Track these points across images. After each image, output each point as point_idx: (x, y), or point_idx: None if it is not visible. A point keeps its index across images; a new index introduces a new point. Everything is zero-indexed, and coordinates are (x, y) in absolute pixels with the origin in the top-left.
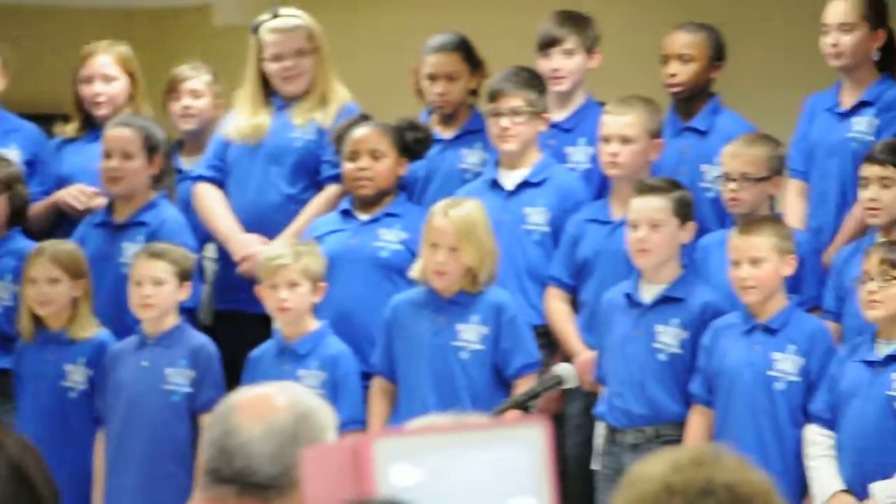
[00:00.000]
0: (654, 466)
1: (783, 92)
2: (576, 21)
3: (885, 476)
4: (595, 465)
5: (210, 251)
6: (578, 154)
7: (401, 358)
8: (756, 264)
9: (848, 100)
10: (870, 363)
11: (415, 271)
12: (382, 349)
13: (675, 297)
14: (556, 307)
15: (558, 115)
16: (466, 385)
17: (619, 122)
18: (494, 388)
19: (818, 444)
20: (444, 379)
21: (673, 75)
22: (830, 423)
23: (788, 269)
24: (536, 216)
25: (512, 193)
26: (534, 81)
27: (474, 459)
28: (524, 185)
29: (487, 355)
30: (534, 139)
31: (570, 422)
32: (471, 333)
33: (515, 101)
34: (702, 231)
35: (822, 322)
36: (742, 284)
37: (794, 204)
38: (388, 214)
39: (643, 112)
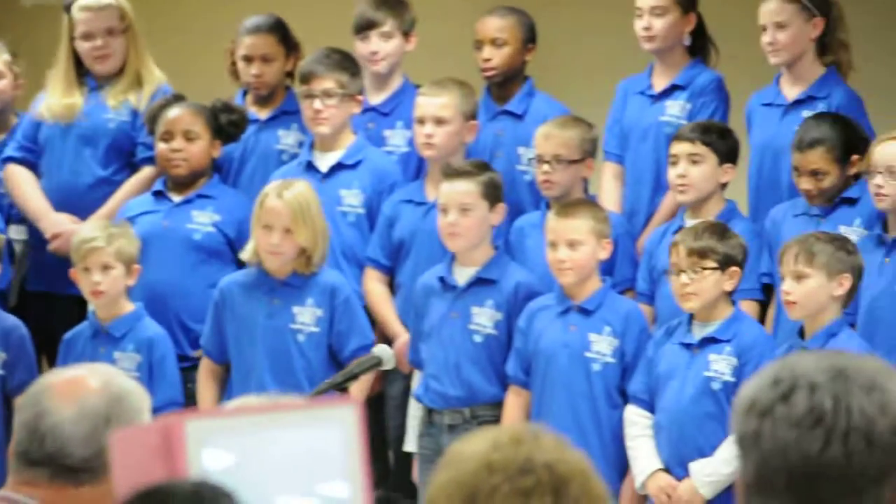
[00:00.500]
0: (473, 445)
1: (599, 76)
2: (392, 4)
3: (703, 455)
4: (409, 447)
5: (17, 232)
6: (396, 137)
7: (233, 340)
8: (573, 247)
9: (660, 83)
10: (686, 345)
11: (246, 253)
12: (210, 331)
13: (489, 279)
14: (374, 288)
15: (376, 99)
16: (303, 367)
17: (433, 103)
18: (331, 370)
19: (637, 424)
20: (280, 361)
21: (487, 60)
22: (649, 405)
23: (604, 252)
24: (351, 198)
25: (326, 175)
26: (346, 63)
27: (287, 441)
28: (338, 167)
29: (323, 337)
30: (347, 121)
31: (391, 403)
32: (306, 315)
33: (327, 83)
34: (520, 212)
35: (636, 304)
36: (559, 266)
37: (609, 187)
38: (201, 196)
39: (457, 94)
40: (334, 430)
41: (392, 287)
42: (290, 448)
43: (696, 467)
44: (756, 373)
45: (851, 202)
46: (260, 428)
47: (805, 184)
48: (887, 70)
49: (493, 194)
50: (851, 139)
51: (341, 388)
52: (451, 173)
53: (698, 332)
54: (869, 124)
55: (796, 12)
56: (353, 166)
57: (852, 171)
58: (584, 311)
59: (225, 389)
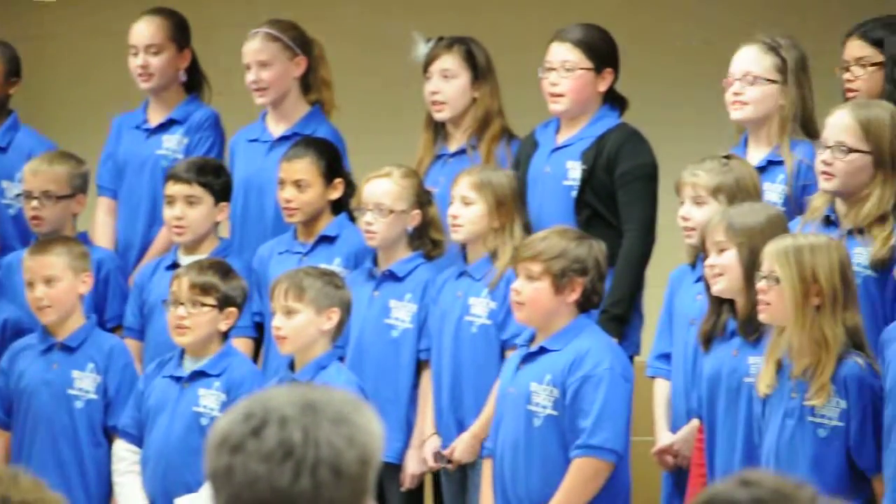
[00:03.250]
0: None
1: (92, 111)
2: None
3: (190, 490)
4: None
5: None
6: None
7: None
8: (50, 283)
9: (155, 118)
10: (177, 379)
11: None
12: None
13: None
14: None
15: None
16: None
17: None
18: None
19: (125, 459)
20: None
21: None
22: (138, 439)
23: (84, 287)
24: None
25: None
26: None
27: None
28: None
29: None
30: None
31: None
32: None
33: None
34: (6, 248)
35: (120, 340)
36: (38, 304)
37: (102, 221)
38: None
39: None
40: None
41: None
42: None
43: (182, 502)
44: (229, 408)
45: (331, 240)
46: None
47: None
48: None
49: None
50: (333, 164)
51: None
52: None
53: (189, 366)
54: (348, 163)
55: (279, 51)
56: None
57: (334, 195)
58: (67, 349)
59: None
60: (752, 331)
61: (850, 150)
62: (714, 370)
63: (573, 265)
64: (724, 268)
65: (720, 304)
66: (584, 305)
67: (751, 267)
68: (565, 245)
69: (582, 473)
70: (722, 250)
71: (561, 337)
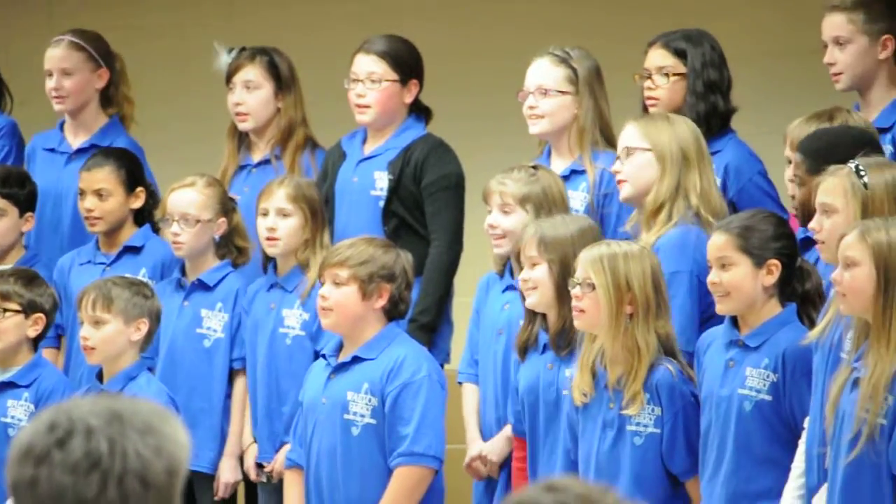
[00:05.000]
0: None
1: None
2: None
3: None
4: None
5: None
6: None
7: None
8: None
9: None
10: None
11: None
12: None
13: None
14: None
15: None
16: None
17: None
18: None
19: None
20: None
21: None
22: None
23: None
24: None
25: None
26: None
27: None
28: None
29: None
30: None
31: None
32: None
33: None
34: None
35: None
36: None
37: None
38: None
39: None
40: None
41: None
42: None
43: None
44: (35, 417)
45: (136, 250)
46: None
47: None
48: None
49: None
50: (134, 173)
51: None
52: None
53: None
54: (150, 172)
55: (83, 61)
56: None
57: (136, 204)
58: None
59: None
60: (564, 345)
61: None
62: (530, 383)
63: (380, 271)
64: (537, 282)
65: (534, 315)
66: (391, 313)
67: (563, 281)
68: (373, 251)
69: (406, 481)
70: (534, 264)
71: (374, 345)
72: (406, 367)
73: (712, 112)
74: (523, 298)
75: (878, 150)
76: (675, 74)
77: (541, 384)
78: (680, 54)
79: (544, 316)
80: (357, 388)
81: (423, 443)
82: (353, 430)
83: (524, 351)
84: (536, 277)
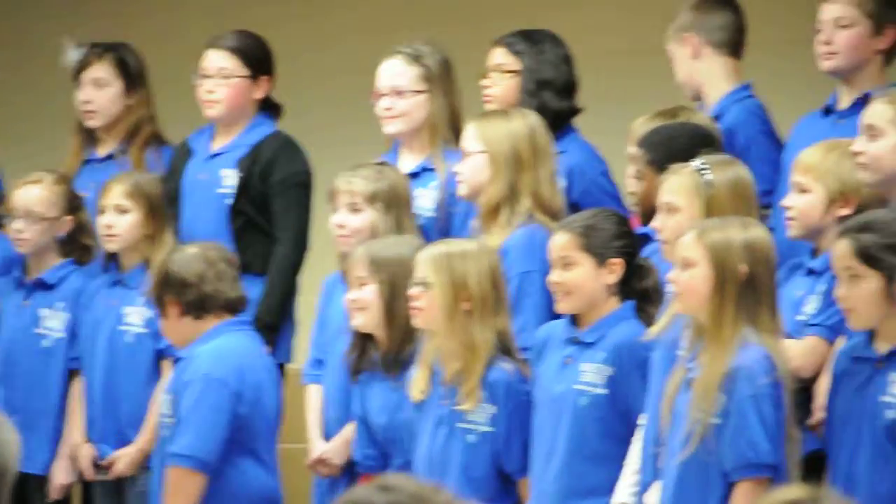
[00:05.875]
0: None
1: None
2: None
3: None
4: None
5: None
6: None
7: None
8: None
9: None
10: None
11: None
12: None
13: None
14: None
15: None
16: None
17: None
18: None
19: None
20: None
21: None
22: None
23: None
24: None
25: None
26: None
27: None
28: None
29: None
30: None
31: None
32: None
33: None
34: None
35: None
36: None
37: None
38: None
39: None
40: None
41: None
42: None
43: None
44: None
45: None
46: None
47: None
48: None
49: None
50: None
51: None
52: None
53: None
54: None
55: None
56: None
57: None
58: None
59: None
60: (394, 366)
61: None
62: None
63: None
64: (365, 303)
65: (364, 337)
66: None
67: (392, 302)
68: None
69: (170, 483)
70: (363, 284)
71: (195, 344)
72: (191, 365)
73: (542, 110)
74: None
75: (718, 147)
76: (508, 72)
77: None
78: (517, 53)
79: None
80: (168, 388)
81: (181, 443)
82: (164, 431)
83: (356, 372)
84: (365, 298)
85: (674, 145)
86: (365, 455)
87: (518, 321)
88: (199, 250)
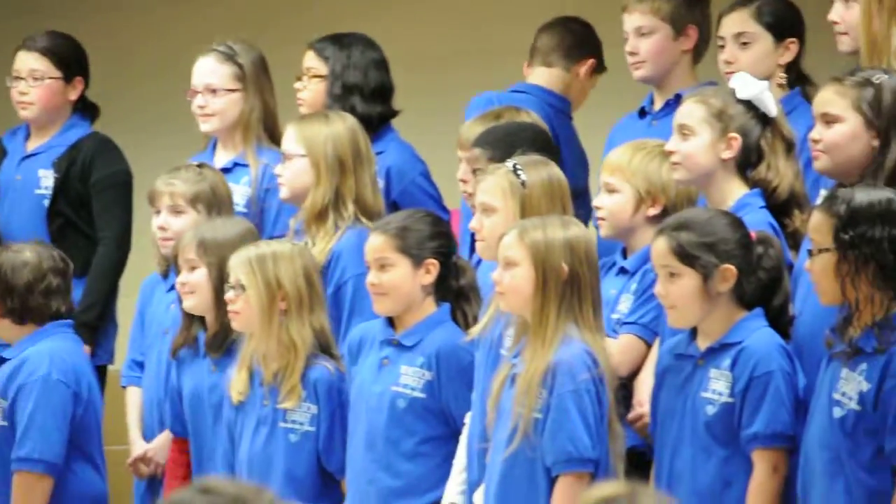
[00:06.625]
0: None
1: None
2: None
3: None
4: None
5: None
6: None
7: None
8: None
9: None
10: None
11: None
12: None
13: None
14: None
15: None
16: None
17: None
18: None
19: None
20: None
21: None
22: None
23: None
24: None
25: None
26: None
27: None
28: None
29: None
30: None
31: None
32: None
33: None
34: None
35: None
36: None
37: None
38: None
39: None
40: None
41: None
42: None
43: None
44: None
45: None
46: None
47: None
48: None
49: None
50: None
51: None
52: None
53: None
54: None
55: None
56: None
57: None
58: None
59: None
60: (218, 347)
61: None
62: (194, 387)
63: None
64: (195, 286)
65: (192, 319)
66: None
67: (221, 284)
68: None
69: (19, 488)
70: (193, 268)
71: (21, 345)
72: (25, 368)
73: (351, 114)
74: (180, 301)
75: (550, 145)
76: (316, 76)
77: (204, 388)
78: (324, 58)
79: (202, 319)
80: None
81: (27, 447)
82: None
83: (176, 351)
84: (195, 281)
85: (513, 141)
86: (176, 429)
87: (357, 322)
88: (35, 259)
